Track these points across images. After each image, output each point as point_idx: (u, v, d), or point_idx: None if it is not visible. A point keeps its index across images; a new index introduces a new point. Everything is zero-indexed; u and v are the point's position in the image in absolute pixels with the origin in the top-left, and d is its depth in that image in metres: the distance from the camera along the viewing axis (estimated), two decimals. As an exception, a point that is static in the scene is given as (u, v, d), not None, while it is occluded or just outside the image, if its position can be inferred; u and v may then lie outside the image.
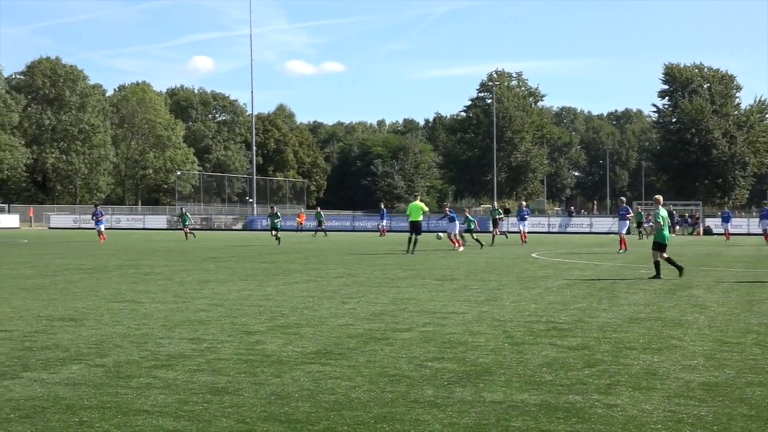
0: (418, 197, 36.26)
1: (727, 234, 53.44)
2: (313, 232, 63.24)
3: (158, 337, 11.76)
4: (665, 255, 21.92)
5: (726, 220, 54.50)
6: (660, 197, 23.38)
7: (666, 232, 22.11)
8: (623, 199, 39.98)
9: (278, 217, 44.84)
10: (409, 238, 34.20)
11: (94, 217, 48.45)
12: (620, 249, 35.42)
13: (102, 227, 47.51)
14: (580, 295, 17.58)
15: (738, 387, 8.71)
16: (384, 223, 61.57)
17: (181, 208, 60.84)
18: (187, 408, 7.75)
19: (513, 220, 55.20)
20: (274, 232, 43.79)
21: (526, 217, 45.18)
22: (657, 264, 21.92)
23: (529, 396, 8.27)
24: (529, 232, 47.21)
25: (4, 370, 9.40)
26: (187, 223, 51.64)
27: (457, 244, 37.04)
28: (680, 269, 21.96)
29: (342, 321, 13.50)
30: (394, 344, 11.23)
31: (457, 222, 38.33)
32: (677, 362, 10.02)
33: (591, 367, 9.67)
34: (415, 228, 34.15)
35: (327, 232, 61.97)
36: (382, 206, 66.79)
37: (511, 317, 14.02)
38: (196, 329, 12.56)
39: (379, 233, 61.14)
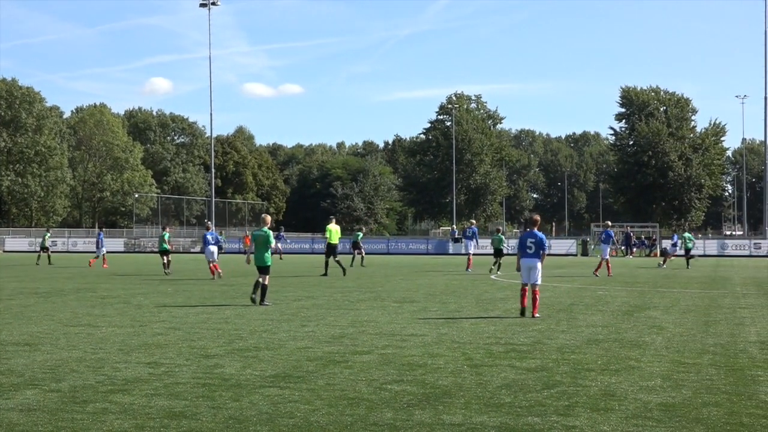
0: (333, 220, 36.30)
1: (669, 256, 46.27)
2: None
3: (115, 362, 11.64)
4: (265, 281, 20.49)
5: (676, 244, 49.96)
6: (267, 217, 21.39)
7: (264, 254, 20.56)
8: (608, 223, 38.58)
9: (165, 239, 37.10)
10: (327, 261, 34.27)
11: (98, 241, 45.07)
12: (608, 274, 34.05)
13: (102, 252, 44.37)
14: (539, 317, 17.64)
15: (695, 407, 8.79)
16: (279, 245, 58.94)
17: (47, 229, 58.03)
18: (143, 433, 7.68)
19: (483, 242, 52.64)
20: (165, 258, 36.25)
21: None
22: (257, 285, 20.54)
23: (489, 418, 8.28)
24: (480, 254, 46.87)
25: (-43, 396, 9.26)
26: (46, 245, 47.93)
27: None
28: (255, 299, 20.28)
29: (301, 344, 13.45)
30: (354, 367, 11.21)
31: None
32: (635, 383, 10.09)
33: (550, 389, 9.71)
34: (333, 250, 34.50)
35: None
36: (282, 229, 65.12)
37: (471, 339, 14.04)
38: (154, 353, 12.46)
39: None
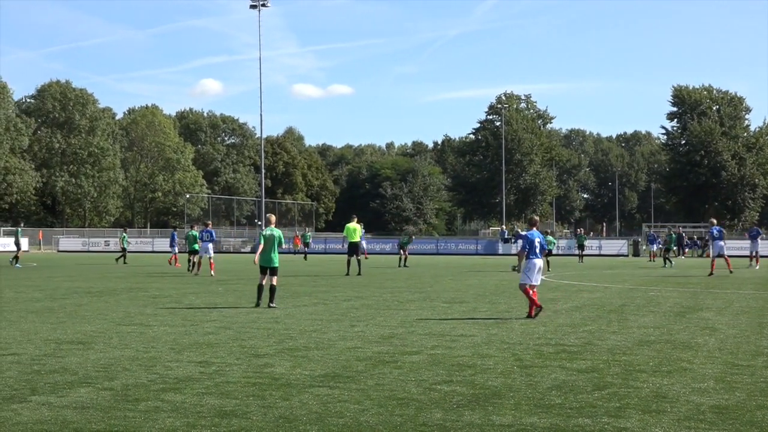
0: (355, 218, 36.12)
1: (754, 257, 41.50)
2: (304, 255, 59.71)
3: (166, 360, 11.75)
4: (273, 281, 20.04)
5: (755, 237, 42.10)
6: (272, 217, 21.00)
7: (270, 254, 20.02)
8: (713, 221, 38.17)
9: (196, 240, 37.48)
10: (349, 261, 34.59)
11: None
12: (729, 270, 34.71)
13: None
14: (590, 318, 17.53)
15: (749, 410, 8.68)
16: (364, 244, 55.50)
17: (124, 229, 59.31)
18: None
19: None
20: (192, 258, 37.22)
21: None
22: (261, 290, 20.08)
23: (539, 419, 8.24)
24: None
25: (13, 394, 9.40)
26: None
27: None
28: (257, 303, 19.89)
29: (350, 344, 13.48)
30: (403, 367, 11.21)
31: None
32: (687, 385, 9.98)
33: (600, 390, 9.64)
34: (355, 249, 34.70)
35: (308, 255, 59.37)
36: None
37: (520, 340, 13.98)
38: (205, 352, 12.56)
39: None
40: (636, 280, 32.13)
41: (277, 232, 20.41)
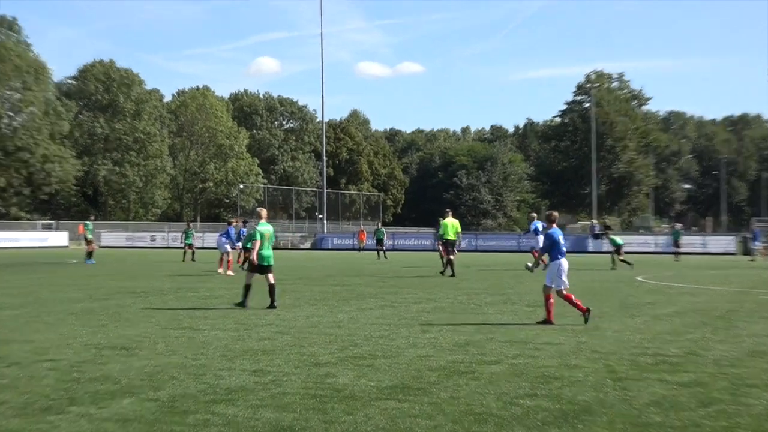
0: (449, 213, 35.77)
1: None
2: (377, 253, 59.26)
3: (217, 369, 11.83)
4: (271, 279, 20.65)
5: None
6: (263, 210, 21.39)
7: (265, 251, 20.56)
8: None
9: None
10: (448, 259, 34.41)
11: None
12: None
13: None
14: (693, 325, 17.30)
15: None
16: None
17: (188, 225, 60.54)
18: (248, 448, 7.78)
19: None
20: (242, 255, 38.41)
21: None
22: (246, 288, 20.50)
23: (635, 439, 8.13)
24: (632, 252, 46.57)
25: (50, 404, 9.54)
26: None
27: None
28: (244, 303, 20.29)
29: (422, 352, 13.45)
30: (481, 378, 11.16)
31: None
32: (806, 402, 9.78)
33: (706, 407, 9.50)
34: (451, 247, 34.45)
35: (386, 253, 59.05)
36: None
37: (614, 349, 13.84)
38: (260, 360, 12.62)
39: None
40: (745, 281, 31.66)
41: (272, 228, 21.13)
